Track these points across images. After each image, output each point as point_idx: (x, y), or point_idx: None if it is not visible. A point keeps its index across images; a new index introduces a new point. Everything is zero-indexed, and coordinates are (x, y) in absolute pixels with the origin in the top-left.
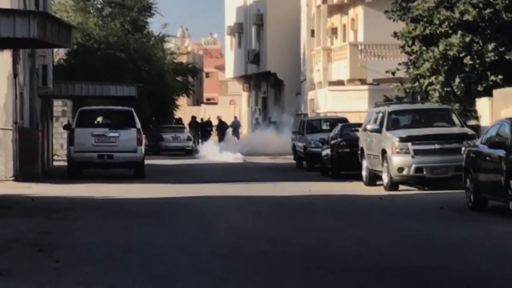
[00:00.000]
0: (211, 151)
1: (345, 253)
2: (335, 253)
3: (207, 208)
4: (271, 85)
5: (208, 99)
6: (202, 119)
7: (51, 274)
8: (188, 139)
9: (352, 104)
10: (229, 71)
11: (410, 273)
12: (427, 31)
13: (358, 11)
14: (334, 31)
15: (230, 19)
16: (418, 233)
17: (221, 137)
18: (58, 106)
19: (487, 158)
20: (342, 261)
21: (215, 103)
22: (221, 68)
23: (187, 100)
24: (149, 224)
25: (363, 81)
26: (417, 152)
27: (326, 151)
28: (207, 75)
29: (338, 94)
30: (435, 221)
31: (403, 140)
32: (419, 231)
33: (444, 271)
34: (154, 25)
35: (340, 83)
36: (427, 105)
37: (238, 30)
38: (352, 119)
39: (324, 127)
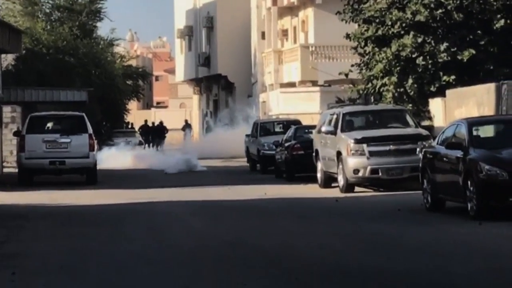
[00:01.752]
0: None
1: (305, 257)
2: (296, 257)
3: (162, 214)
4: (222, 88)
5: (158, 103)
6: (153, 123)
7: (7, 287)
8: (140, 143)
9: (304, 106)
10: (180, 74)
11: (371, 275)
12: (380, 32)
13: (308, 13)
14: (284, 33)
15: (180, 22)
16: (377, 235)
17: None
18: (7, 112)
19: (445, 159)
20: (303, 265)
21: (165, 107)
22: (171, 71)
23: (137, 104)
24: (104, 231)
25: (314, 83)
26: (372, 154)
27: (280, 154)
28: (157, 78)
29: (289, 96)
30: (394, 223)
31: (358, 141)
32: (378, 233)
33: (404, 273)
34: (103, 29)
35: (292, 85)
36: (381, 106)
37: (188, 33)
38: (304, 121)
39: (277, 129)
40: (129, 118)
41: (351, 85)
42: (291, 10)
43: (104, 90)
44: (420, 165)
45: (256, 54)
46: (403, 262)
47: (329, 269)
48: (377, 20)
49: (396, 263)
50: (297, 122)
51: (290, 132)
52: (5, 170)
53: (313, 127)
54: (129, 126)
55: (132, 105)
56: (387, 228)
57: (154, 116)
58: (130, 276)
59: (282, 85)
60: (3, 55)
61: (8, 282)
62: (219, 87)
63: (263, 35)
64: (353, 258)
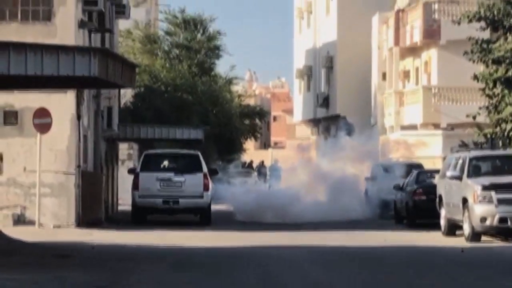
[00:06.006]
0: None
1: None
2: None
3: (275, 260)
4: (340, 129)
5: (275, 143)
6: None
7: None
8: (256, 184)
9: (426, 150)
10: (298, 115)
11: None
12: (510, 73)
13: (431, 54)
14: (406, 74)
15: (299, 61)
16: None
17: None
18: (124, 149)
19: None
20: None
21: (283, 147)
22: (289, 111)
23: (254, 143)
24: (215, 278)
25: (436, 126)
26: (501, 201)
27: (401, 198)
28: (275, 118)
29: (410, 139)
30: None
31: (486, 188)
32: None
33: None
34: (222, 67)
35: (413, 127)
36: (510, 151)
37: (307, 73)
38: (426, 165)
39: (398, 173)
40: (246, 157)
41: (476, 129)
42: (413, 51)
43: (221, 129)
44: None
45: (376, 95)
46: None
47: None
48: (508, 61)
49: None
50: (418, 165)
51: (411, 176)
52: (120, 208)
53: (436, 171)
54: (246, 166)
55: (250, 144)
56: None
57: (271, 156)
58: None
59: (403, 127)
60: (122, 92)
61: None
62: (337, 128)
63: (384, 76)
64: None
